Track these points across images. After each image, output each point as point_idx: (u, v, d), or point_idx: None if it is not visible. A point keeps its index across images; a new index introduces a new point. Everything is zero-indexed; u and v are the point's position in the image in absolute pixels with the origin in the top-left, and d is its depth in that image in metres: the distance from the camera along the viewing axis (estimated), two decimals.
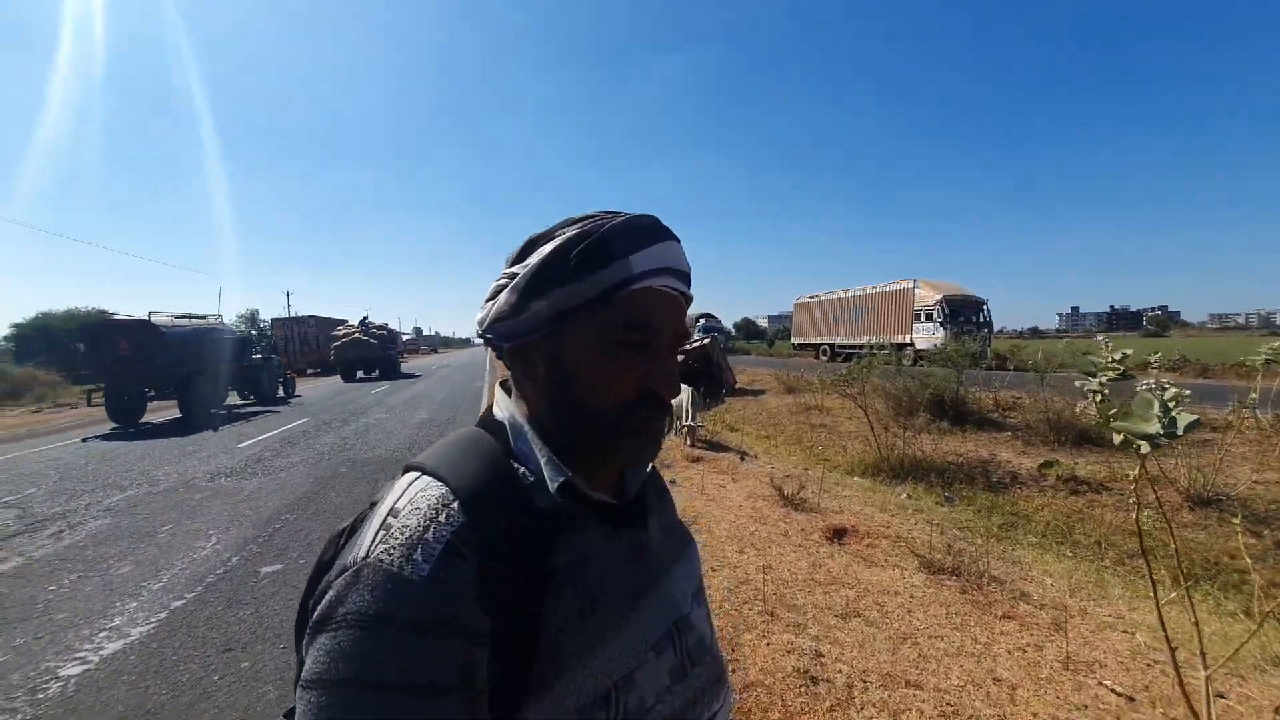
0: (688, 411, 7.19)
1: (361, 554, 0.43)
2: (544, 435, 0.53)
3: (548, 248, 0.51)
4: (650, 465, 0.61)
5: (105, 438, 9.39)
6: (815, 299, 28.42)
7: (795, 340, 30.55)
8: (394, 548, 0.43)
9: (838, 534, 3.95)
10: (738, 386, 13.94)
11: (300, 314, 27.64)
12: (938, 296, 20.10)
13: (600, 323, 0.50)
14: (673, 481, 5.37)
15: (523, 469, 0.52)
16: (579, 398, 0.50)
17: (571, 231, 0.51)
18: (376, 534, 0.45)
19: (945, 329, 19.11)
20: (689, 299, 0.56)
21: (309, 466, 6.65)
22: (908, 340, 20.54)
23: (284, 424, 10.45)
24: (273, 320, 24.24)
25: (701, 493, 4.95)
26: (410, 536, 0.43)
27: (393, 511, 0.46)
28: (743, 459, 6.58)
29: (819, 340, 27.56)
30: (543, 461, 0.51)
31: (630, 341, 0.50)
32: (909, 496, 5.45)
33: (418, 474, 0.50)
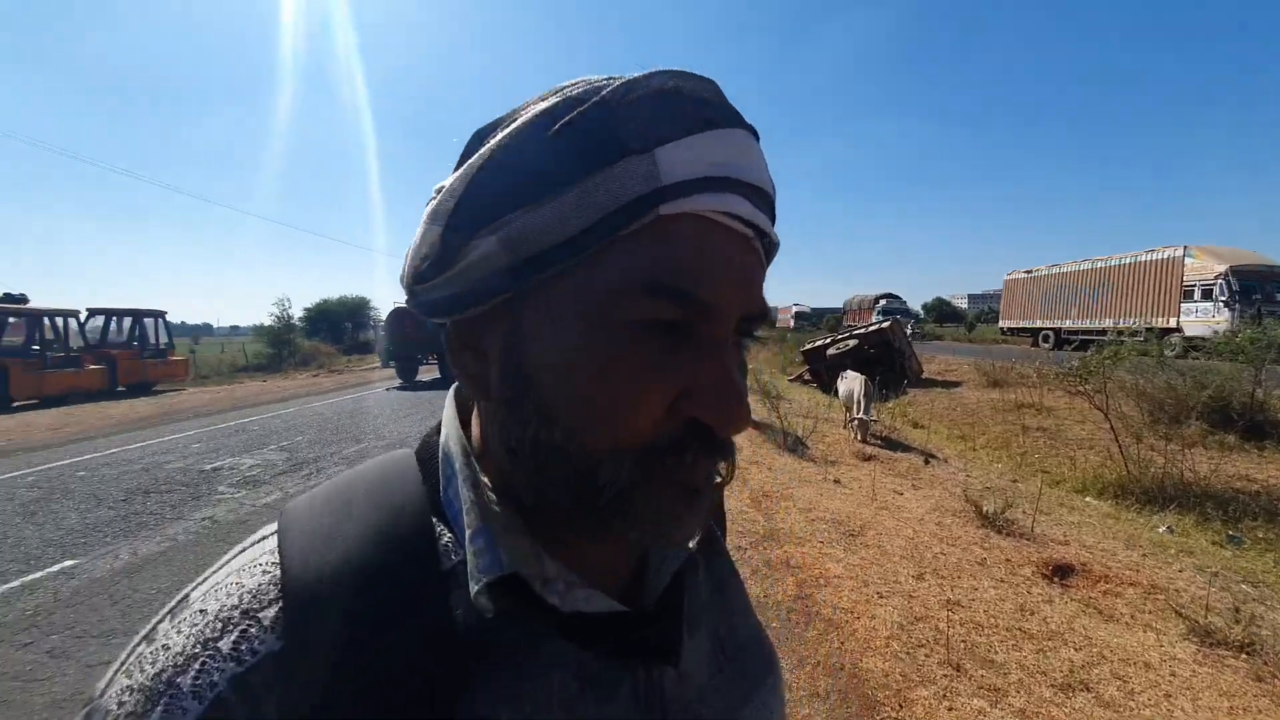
0: (859, 402, 6.42)
1: (100, 687, 0.27)
2: (495, 482, 0.32)
3: (501, 135, 0.29)
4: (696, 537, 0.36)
5: (398, 389, 13.22)
6: (1034, 274, 23.74)
7: (1004, 323, 26.03)
8: (134, 688, 0.26)
9: (1060, 571, 3.10)
10: (925, 376, 12.24)
11: None
12: (1221, 268, 15.29)
13: (596, 282, 0.28)
14: (836, 481, 4.80)
15: (448, 537, 0.31)
16: (554, 423, 0.28)
17: (545, 104, 0.29)
18: (134, 648, 0.28)
19: (1232, 310, 14.60)
20: (772, 244, 0.32)
21: None
22: (1172, 324, 16.13)
23: None
24: None
25: (872, 499, 4.33)
26: (162, 669, 0.26)
27: (183, 602, 0.29)
28: (927, 462, 5.66)
29: (1039, 324, 23.03)
30: (470, 532, 0.30)
31: (656, 320, 0.28)
32: (1170, 530, 4.12)
33: (270, 533, 0.32)
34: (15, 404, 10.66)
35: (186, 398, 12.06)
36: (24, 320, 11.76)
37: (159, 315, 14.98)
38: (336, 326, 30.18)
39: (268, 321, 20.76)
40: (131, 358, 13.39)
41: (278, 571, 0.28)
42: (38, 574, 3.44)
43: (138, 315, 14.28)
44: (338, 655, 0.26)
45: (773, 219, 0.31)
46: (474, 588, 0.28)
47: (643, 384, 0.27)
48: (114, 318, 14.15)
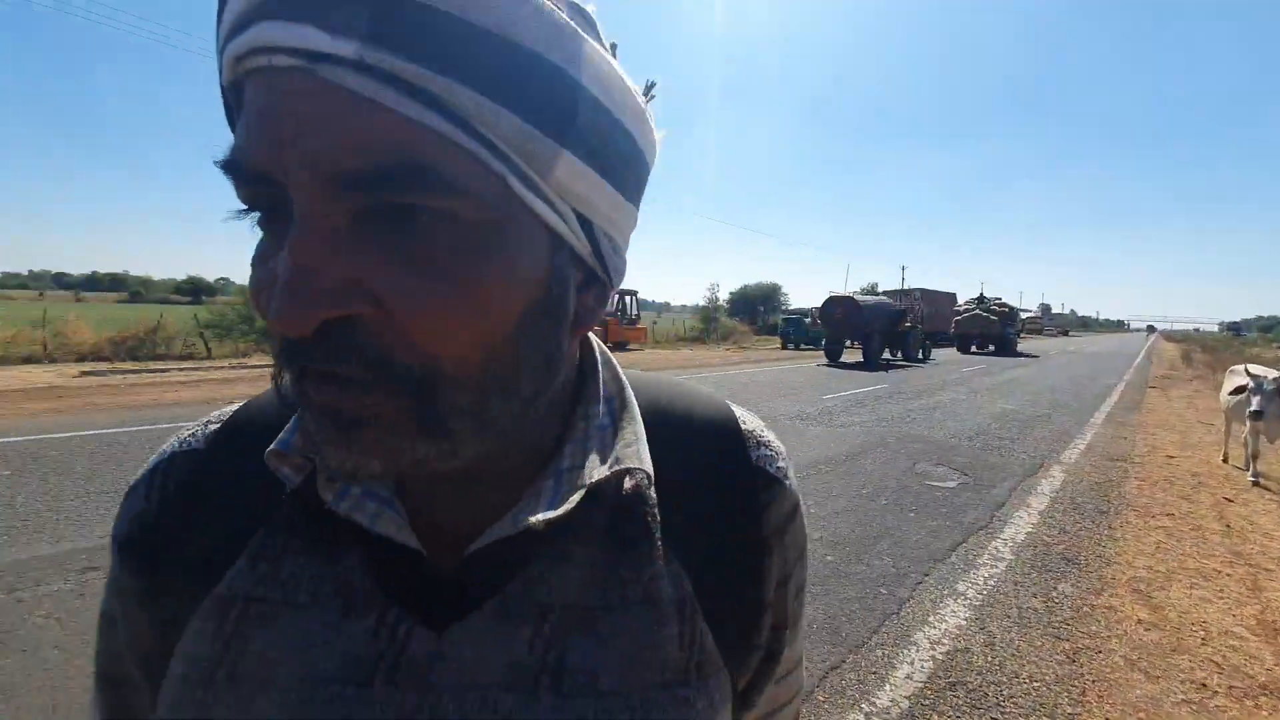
0: None
1: None
2: None
3: None
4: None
5: (824, 365, 15.73)
6: None
7: None
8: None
9: None
10: None
11: (910, 287, 29.38)
12: None
13: None
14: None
15: None
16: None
17: None
18: None
19: None
20: (367, 75, 0.21)
21: (863, 429, 6.94)
22: None
23: (863, 386, 11.37)
24: (884, 292, 26.64)
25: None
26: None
27: None
28: None
29: None
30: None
31: (242, 209, 0.26)
32: None
33: None
34: None
35: (645, 355, 16.48)
36: None
37: (633, 294, 20.70)
38: (753, 309, 34.12)
39: (701, 302, 25.53)
40: (617, 324, 18.94)
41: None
42: None
43: (621, 293, 20.00)
44: (192, 461, 0.35)
45: (419, 24, 0.21)
46: (266, 457, 0.30)
47: (252, 281, 0.25)
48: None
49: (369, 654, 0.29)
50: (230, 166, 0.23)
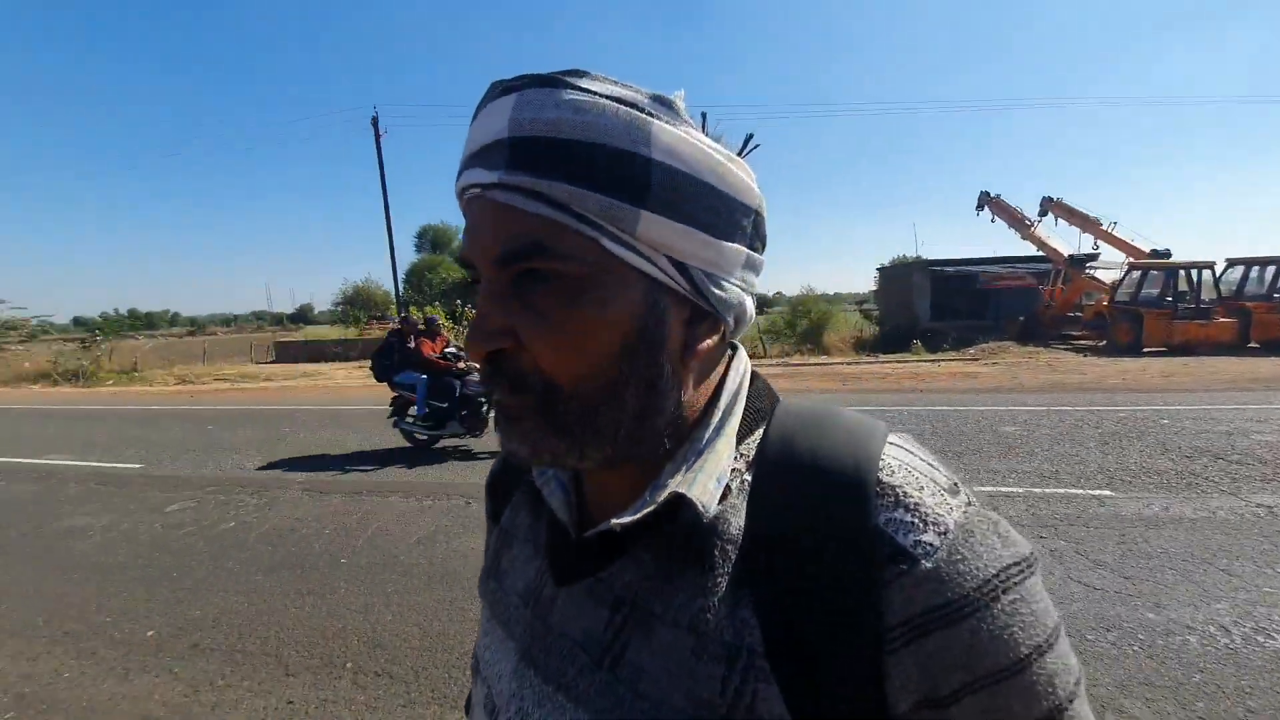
0: None
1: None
2: None
3: None
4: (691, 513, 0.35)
5: None
6: None
7: None
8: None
9: None
10: None
11: None
12: None
13: None
14: None
15: None
16: None
17: None
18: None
19: None
20: (514, 190, 0.32)
21: None
22: None
23: None
24: None
25: None
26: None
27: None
28: None
29: None
30: None
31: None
32: None
33: None
34: (1145, 350, 11.84)
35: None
36: (1163, 273, 12.73)
37: None
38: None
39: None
40: (1270, 310, 11.82)
41: None
42: (1078, 490, 3.92)
43: None
44: None
45: (559, 144, 0.31)
46: None
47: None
48: (1254, 268, 12.87)
49: (532, 585, 0.42)
50: (459, 259, 0.38)
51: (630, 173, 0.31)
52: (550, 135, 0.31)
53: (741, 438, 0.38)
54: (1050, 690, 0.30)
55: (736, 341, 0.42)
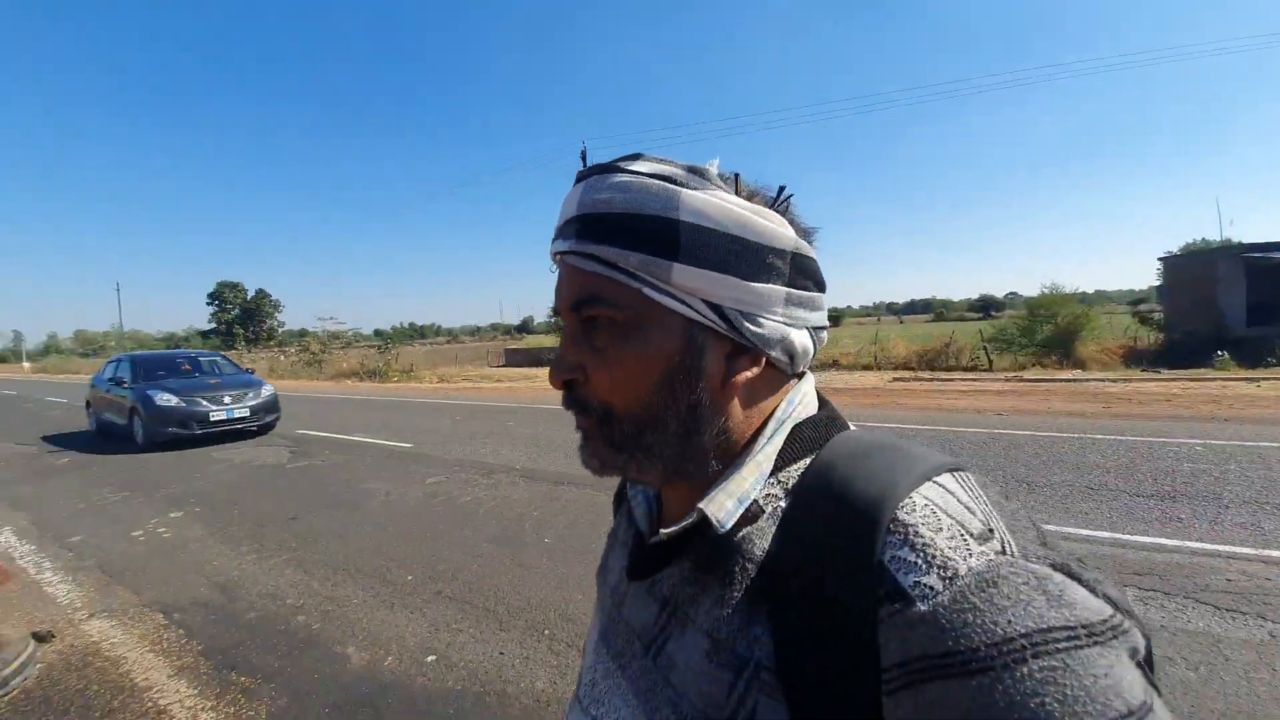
0: None
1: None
2: None
3: None
4: (721, 526, 0.39)
5: None
6: None
7: None
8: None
9: None
10: None
11: None
12: None
13: None
14: None
15: None
16: None
17: None
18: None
19: None
20: (576, 255, 0.41)
21: None
22: None
23: None
24: None
25: None
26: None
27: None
28: None
29: None
30: None
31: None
32: None
33: None
34: None
35: None
36: None
37: None
38: None
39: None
40: None
41: None
42: None
43: None
44: None
45: (607, 217, 0.39)
46: None
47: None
48: None
49: (618, 579, 0.48)
50: (553, 309, 0.44)
51: (662, 233, 0.37)
52: (603, 211, 0.39)
53: (787, 464, 0.41)
54: None
55: (805, 371, 0.46)
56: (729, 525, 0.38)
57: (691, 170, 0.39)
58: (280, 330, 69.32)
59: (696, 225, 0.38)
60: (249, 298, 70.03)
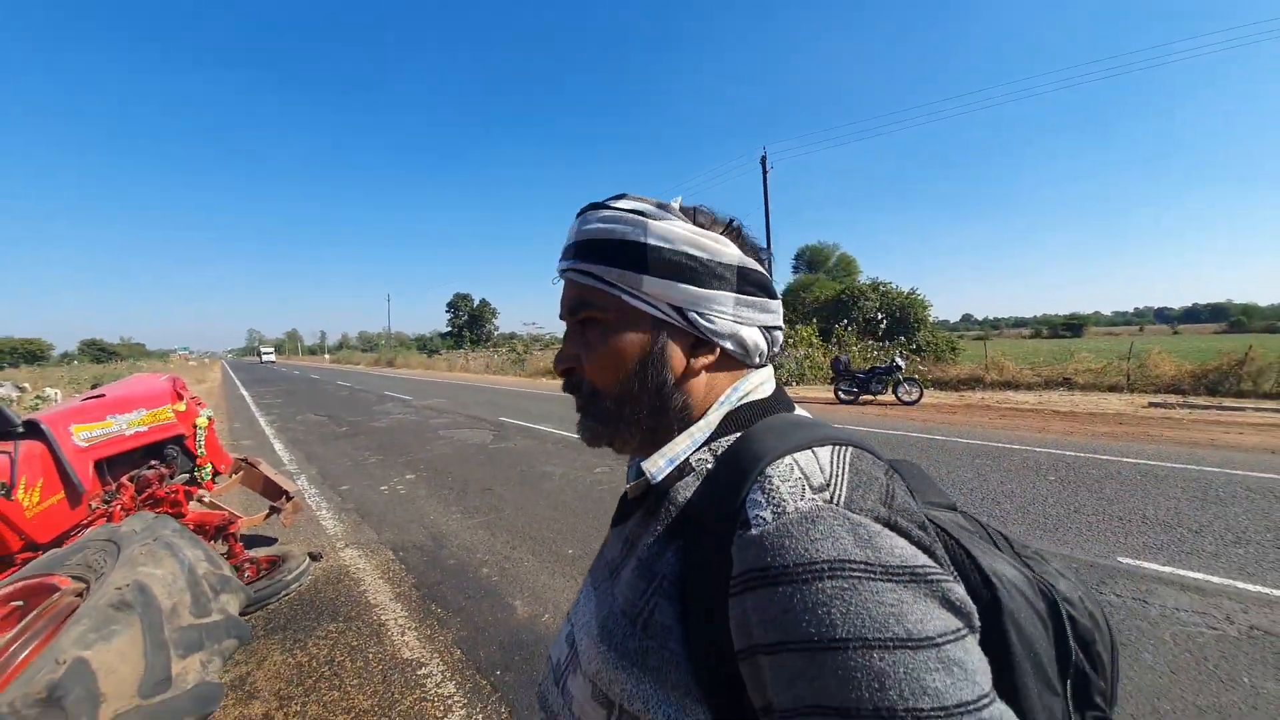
0: None
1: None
2: None
3: None
4: (659, 480, 0.50)
5: None
6: None
7: None
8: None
9: None
10: None
11: None
12: None
13: None
14: None
15: None
16: None
17: None
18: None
19: None
20: (574, 271, 0.53)
21: None
22: None
23: None
24: None
25: None
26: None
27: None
28: None
29: None
30: None
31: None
32: None
33: None
34: None
35: None
36: None
37: None
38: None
39: None
40: None
41: None
42: None
43: None
44: None
45: (572, 255, 0.52)
46: None
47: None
48: None
49: (609, 536, 0.57)
50: (561, 314, 0.56)
51: (634, 253, 0.49)
52: (591, 237, 0.51)
53: (722, 435, 0.50)
54: (877, 688, 0.32)
55: (763, 363, 0.55)
56: (659, 478, 0.49)
57: (660, 205, 0.52)
58: (495, 333, 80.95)
59: (659, 246, 0.49)
60: (475, 306, 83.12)
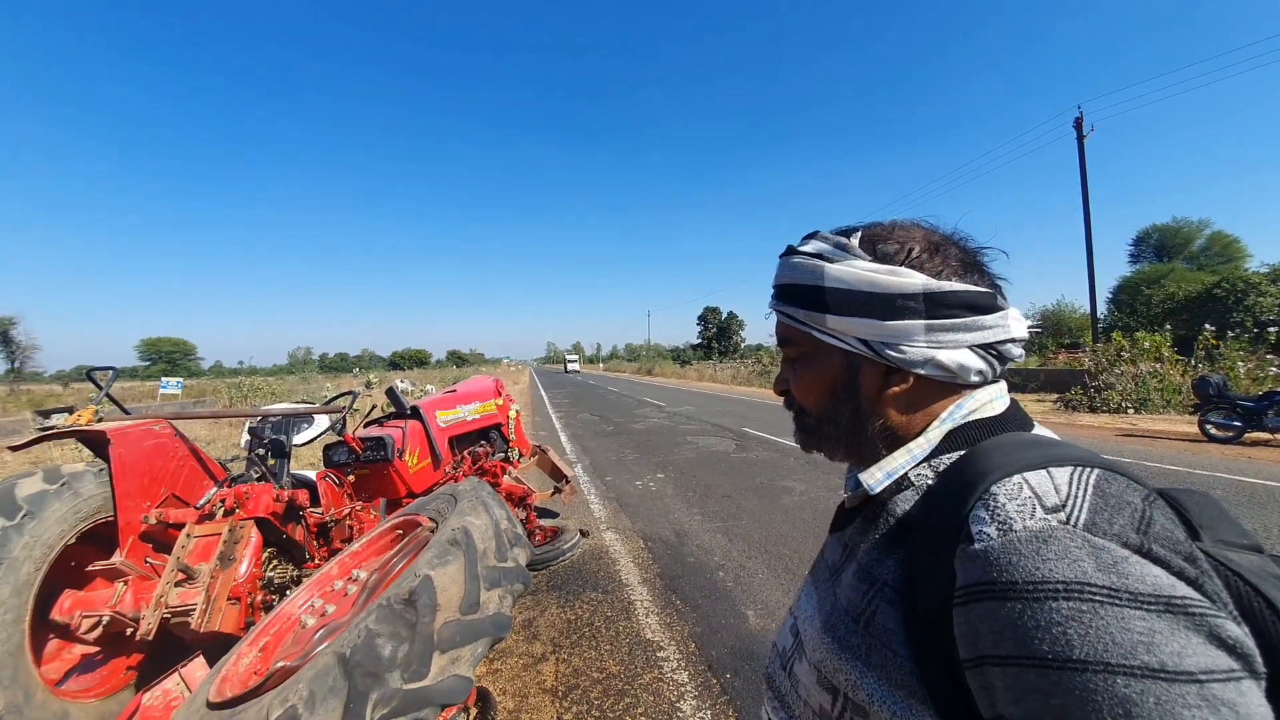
0: None
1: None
2: None
3: None
4: (887, 498, 0.54)
5: None
6: None
7: None
8: None
9: None
10: None
11: None
12: None
13: None
14: None
15: None
16: None
17: None
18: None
19: None
20: (776, 310, 0.60)
21: None
22: None
23: None
24: None
25: None
26: None
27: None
28: None
29: None
30: None
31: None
32: None
33: None
34: None
35: None
36: None
37: None
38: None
39: None
40: None
41: None
42: None
43: None
44: None
45: (777, 297, 0.59)
46: None
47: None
48: None
49: (828, 540, 0.62)
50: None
51: (814, 296, 0.54)
52: (782, 282, 0.58)
53: (944, 453, 0.51)
54: (1121, 714, 0.32)
55: (989, 381, 0.54)
56: (876, 490, 0.52)
57: (838, 245, 0.55)
58: (742, 345, 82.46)
59: (835, 288, 0.53)
60: (723, 319, 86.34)
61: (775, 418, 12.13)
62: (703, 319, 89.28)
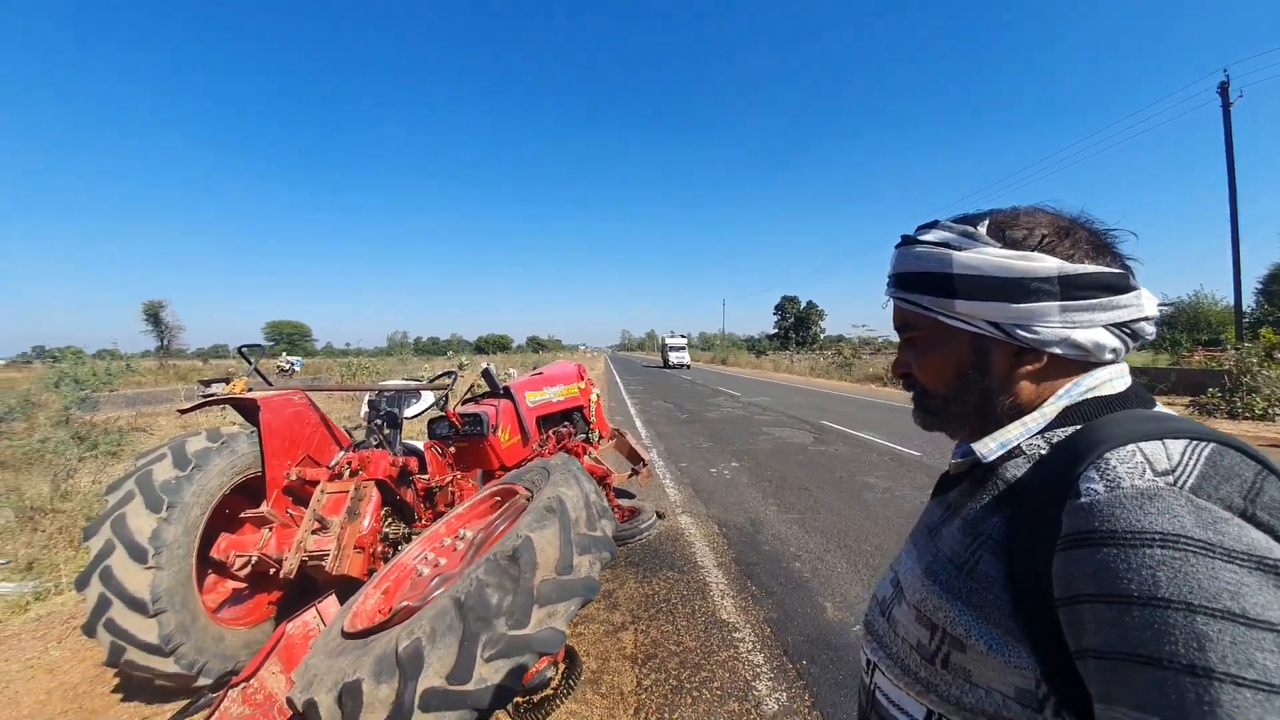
0: None
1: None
2: None
3: None
4: (984, 462, 0.57)
5: None
6: None
7: None
8: None
9: None
10: None
11: None
12: None
13: None
14: None
15: None
16: None
17: None
18: None
19: None
20: (895, 298, 0.63)
21: None
22: None
23: None
24: None
25: None
26: None
27: None
28: None
29: None
30: None
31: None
32: None
33: None
34: None
35: None
36: None
37: None
38: None
39: None
40: None
41: None
42: None
43: None
44: None
45: (892, 285, 0.62)
46: None
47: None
48: None
49: (930, 503, 0.66)
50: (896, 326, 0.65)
51: (942, 283, 0.56)
52: (904, 271, 0.60)
53: (1060, 426, 0.53)
54: (1196, 647, 0.35)
55: (1114, 360, 0.55)
56: (990, 458, 0.55)
57: (964, 233, 0.56)
58: (822, 336, 79.35)
59: (964, 275, 0.55)
60: (801, 308, 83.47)
61: (856, 411, 11.67)
62: (780, 308, 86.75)
